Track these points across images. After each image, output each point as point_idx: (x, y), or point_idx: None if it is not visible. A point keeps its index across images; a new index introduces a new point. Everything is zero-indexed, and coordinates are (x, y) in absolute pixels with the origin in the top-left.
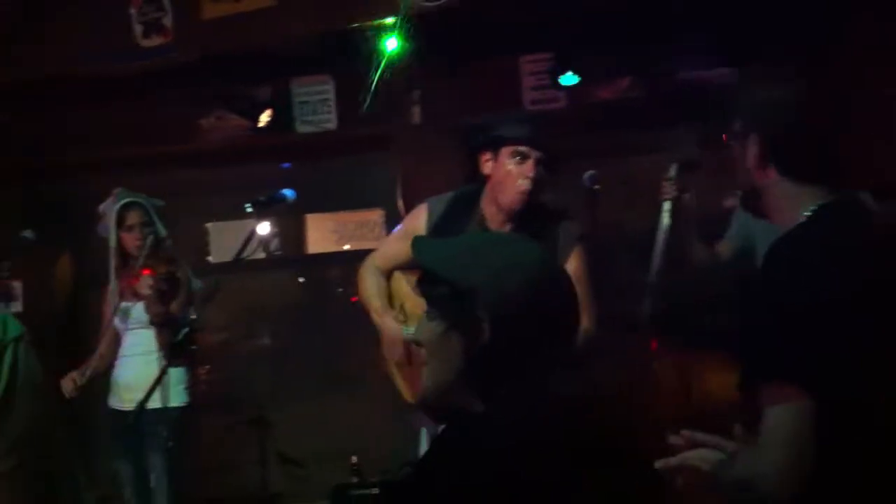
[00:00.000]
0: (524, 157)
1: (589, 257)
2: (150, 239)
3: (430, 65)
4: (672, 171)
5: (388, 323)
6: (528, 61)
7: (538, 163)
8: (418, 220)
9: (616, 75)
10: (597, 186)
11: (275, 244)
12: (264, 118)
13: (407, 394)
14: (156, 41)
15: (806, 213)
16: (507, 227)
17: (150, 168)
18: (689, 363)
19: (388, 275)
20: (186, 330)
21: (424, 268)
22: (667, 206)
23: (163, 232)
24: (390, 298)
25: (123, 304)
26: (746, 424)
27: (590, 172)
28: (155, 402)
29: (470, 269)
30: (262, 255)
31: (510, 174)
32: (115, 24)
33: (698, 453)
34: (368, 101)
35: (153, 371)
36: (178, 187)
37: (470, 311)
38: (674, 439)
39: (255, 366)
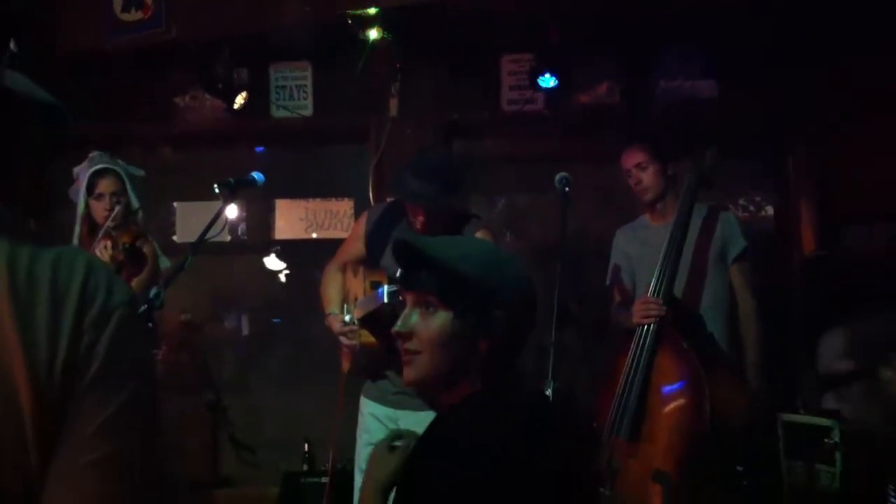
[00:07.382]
0: (415, 208)
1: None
2: (117, 209)
3: (410, 58)
4: (689, 182)
5: (329, 320)
6: (508, 60)
7: (427, 212)
8: (361, 224)
9: (596, 80)
10: (567, 189)
11: (242, 228)
12: (240, 100)
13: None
14: (135, 16)
15: None
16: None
17: (121, 145)
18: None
19: (344, 270)
20: (144, 307)
21: (436, 262)
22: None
23: (135, 203)
24: (347, 293)
25: None
26: None
27: (561, 174)
28: None
29: (492, 271)
30: (227, 237)
31: (412, 212)
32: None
33: None
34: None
35: None
36: (149, 166)
37: (488, 307)
38: None
39: (215, 349)
